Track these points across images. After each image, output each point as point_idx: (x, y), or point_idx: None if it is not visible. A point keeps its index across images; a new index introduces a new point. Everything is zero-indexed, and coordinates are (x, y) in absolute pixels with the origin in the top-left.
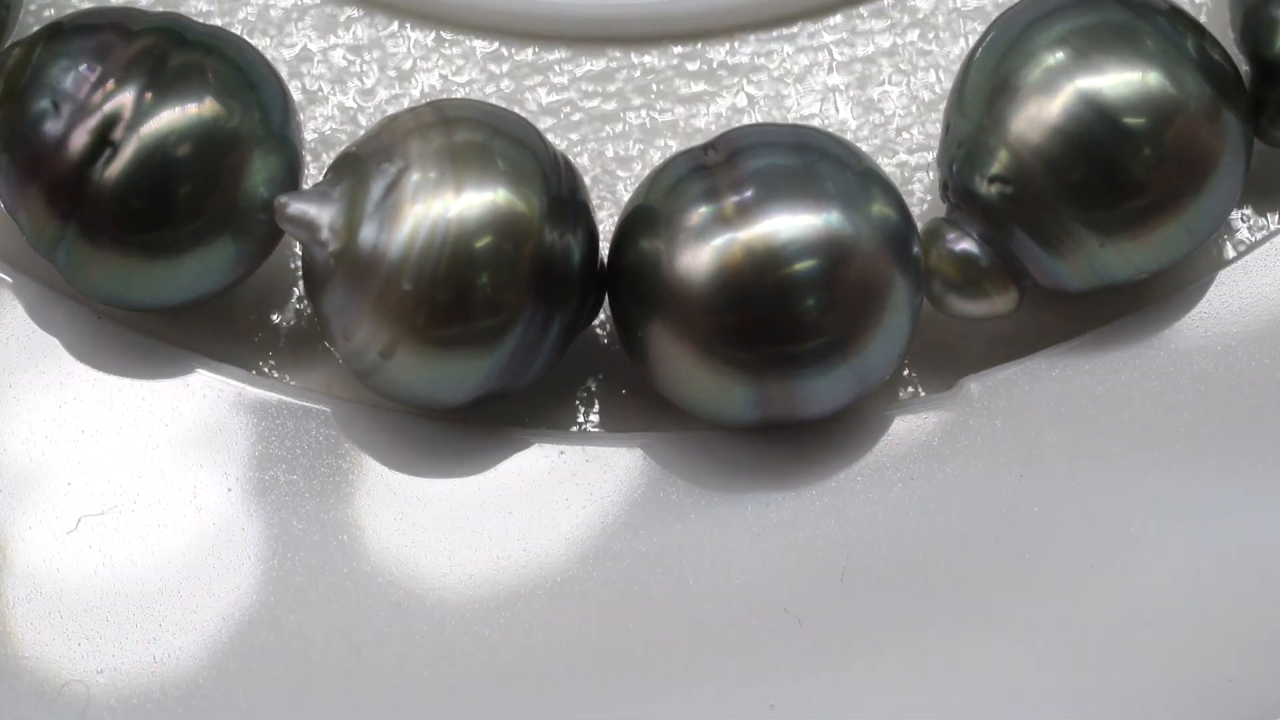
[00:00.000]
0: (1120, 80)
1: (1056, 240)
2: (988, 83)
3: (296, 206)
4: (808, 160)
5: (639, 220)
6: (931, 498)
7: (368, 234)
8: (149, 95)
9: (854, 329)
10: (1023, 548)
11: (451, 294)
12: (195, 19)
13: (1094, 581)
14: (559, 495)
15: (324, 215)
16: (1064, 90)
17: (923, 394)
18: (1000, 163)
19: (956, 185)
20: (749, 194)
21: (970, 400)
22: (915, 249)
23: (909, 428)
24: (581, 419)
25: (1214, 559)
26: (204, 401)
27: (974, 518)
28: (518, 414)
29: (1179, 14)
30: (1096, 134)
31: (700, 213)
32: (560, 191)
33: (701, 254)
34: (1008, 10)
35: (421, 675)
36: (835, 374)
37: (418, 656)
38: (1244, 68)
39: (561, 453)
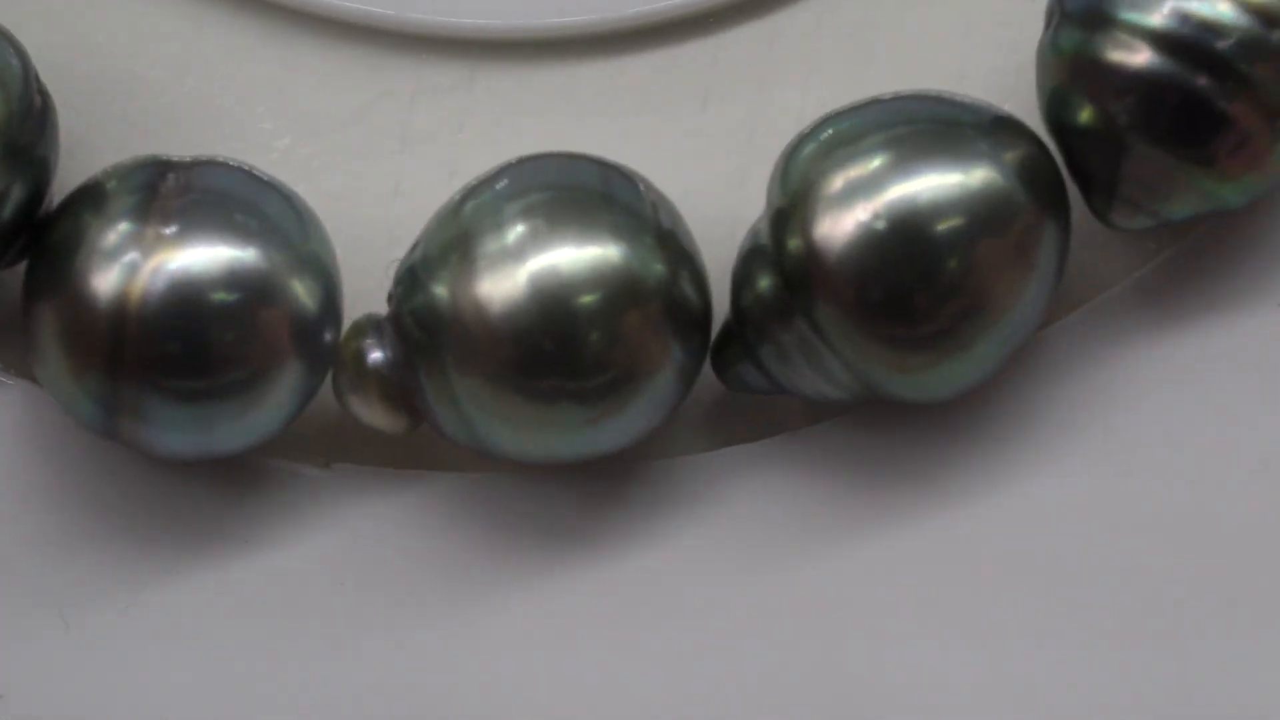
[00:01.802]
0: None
1: (448, 407)
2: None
3: None
4: (242, 203)
5: (85, 196)
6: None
7: None
8: None
9: (230, 376)
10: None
11: None
12: None
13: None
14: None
15: None
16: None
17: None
18: (423, 305)
19: (396, 298)
20: (174, 229)
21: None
22: (328, 337)
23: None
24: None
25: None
26: None
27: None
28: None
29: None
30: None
31: (119, 230)
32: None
33: (111, 272)
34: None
35: None
36: (186, 416)
37: None
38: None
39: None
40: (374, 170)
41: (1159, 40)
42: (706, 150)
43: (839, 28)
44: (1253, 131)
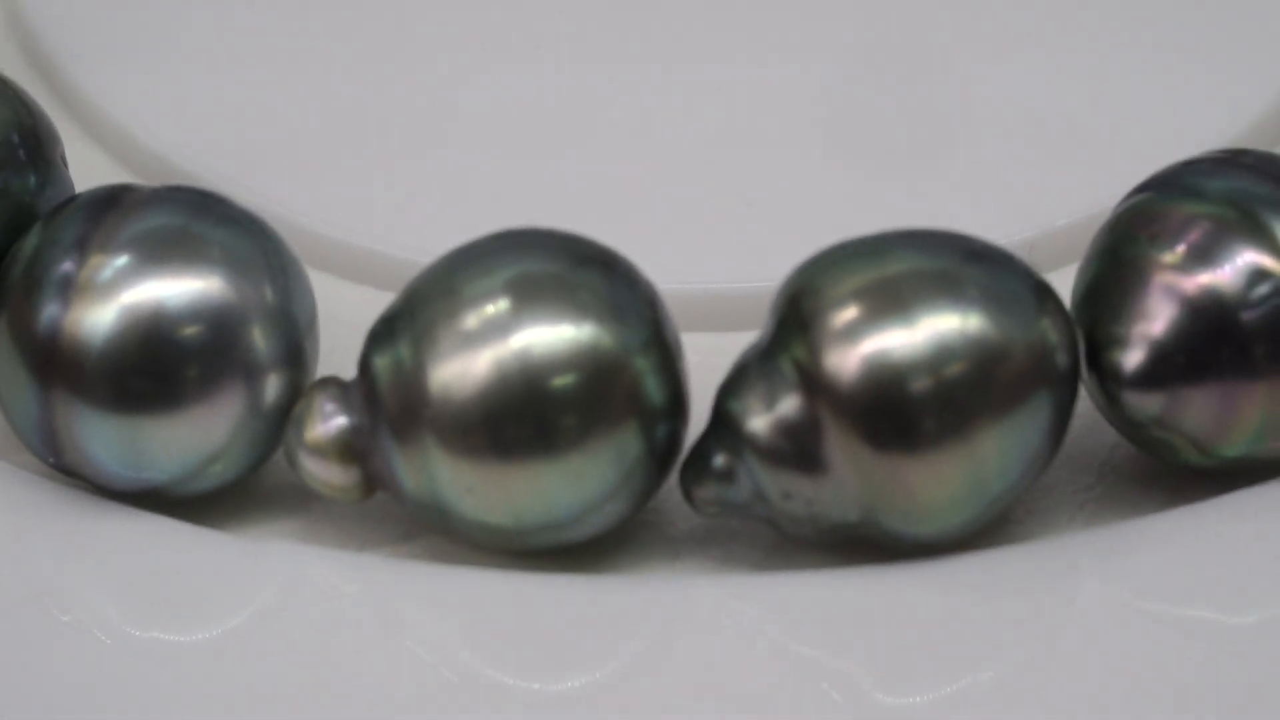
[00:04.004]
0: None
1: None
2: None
3: None
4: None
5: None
6: None
7: None
8: None
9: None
10: None
11: None
12: None
13: None
14: None
15: None
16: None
17: None
18: (397, 368)
19: (365, 356)
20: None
21: None
22: (280, 385)
23: None
24: None
25: None
26: None
27: None
28: None
29: None
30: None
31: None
32: None
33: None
34: None
35: None
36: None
37: None
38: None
39: None
40: None
41: None
42: None
43: None
44: None
